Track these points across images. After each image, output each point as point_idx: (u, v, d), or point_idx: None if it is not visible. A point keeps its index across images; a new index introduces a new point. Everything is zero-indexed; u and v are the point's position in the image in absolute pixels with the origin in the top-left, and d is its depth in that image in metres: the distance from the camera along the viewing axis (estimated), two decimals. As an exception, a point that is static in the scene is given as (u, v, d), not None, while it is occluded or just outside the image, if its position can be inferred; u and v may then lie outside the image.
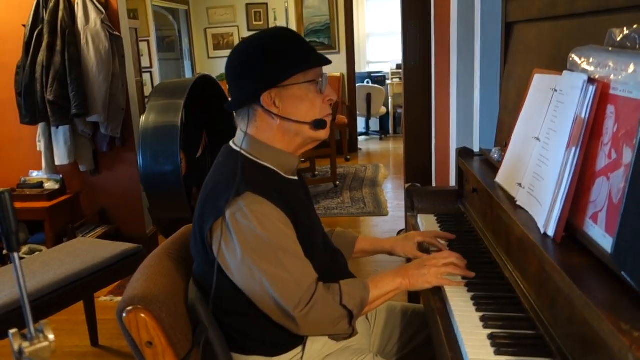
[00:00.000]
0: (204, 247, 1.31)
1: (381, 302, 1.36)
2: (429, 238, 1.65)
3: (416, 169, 4.06)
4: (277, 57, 1.32)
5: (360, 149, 7.87)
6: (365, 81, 8.42)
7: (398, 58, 6.76)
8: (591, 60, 1.11)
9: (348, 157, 7.16)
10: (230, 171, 1.31)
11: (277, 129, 1.35)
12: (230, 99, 1.40)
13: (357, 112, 7.93)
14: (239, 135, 1.40)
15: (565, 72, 1.22)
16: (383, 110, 8.54)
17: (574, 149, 1.09)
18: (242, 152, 1.35)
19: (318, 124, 1.36)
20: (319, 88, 1.35)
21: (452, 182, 2.58)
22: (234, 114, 1.41)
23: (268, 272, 1.22)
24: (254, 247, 1.23)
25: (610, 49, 1.06)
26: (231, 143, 1.42)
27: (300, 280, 1.24)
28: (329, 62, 1.39)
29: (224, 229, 1.25)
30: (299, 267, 1.26)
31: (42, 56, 3.54)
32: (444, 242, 1.64)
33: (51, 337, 0.73)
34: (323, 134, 1.38)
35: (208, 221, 1.27)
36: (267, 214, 1.25)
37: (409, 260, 1.63)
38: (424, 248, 1.66)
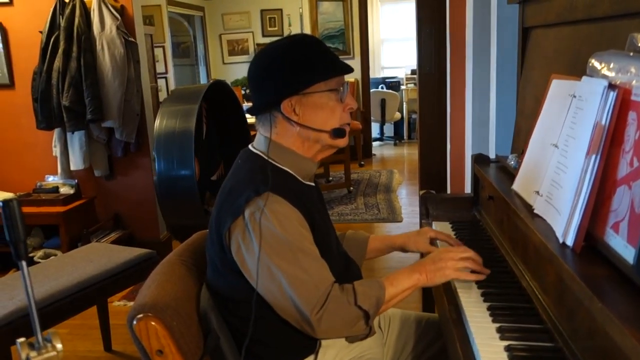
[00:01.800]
0: (221, 248, 1.30)
1: (399, 299, 1.33)
2: (442, 236, 1.63)
3: (431, 175, 4.03)
4: (299, 65, 1.32)
5: (375, 155, 7.84)
6: (380, 86, 8.40)
7: (412, 63, 6.74)
8: (612, 65, 1.08)
9: (362, 162, 7.13)
10: (249, 172, 1.31)
11: (296, 136, 1.35)
12: (250, 104, 1.40)
13: (372, 118, 7.91)
14: (259, 138, 1.40)
15: (584, 77, 1.19)
16: (397, 115, 8.52)
17: (594, 156, 1.07)
18: (262, 154, 1.35)
19: (337, 133, 1.36)
20: (339, 96, 1.35)
21: (467, 188, 2.55)
22: (256, 123, 1.41)
23: (287, 272, 1.21)
24: (273, 246, 1.22)
25: (631, 54, 1.03)
26: (250, 146, 1.42)
27: (318, 283, 1.22)
28: (351, 70, 1.38)
29: (243, 229, 1.24)
30: (317, 268, 1.24)
31: (58, 62, 3.58)
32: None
33: (59, 346, 0.72)
34: (342, 142, 1.38)
35: (226, 221, 1.26)
36: (286, 215, 1.24)
37: (422, 255, 1.61)
38: (435, 244, 1.64)
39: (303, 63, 1.32)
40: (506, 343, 1.10)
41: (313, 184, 1.44)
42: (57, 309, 2.23)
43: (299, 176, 1.37)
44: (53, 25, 3.62)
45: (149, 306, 1.19)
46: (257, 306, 1.26)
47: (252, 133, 2.40)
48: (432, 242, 1.65)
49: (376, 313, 1.28)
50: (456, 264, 1.34)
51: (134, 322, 1.18)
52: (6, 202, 0.70)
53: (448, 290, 1.40)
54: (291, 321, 1.24)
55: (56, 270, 2.43)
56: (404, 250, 1.65)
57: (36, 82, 3.67)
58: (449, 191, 3.52)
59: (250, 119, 4.86)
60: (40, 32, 3.65)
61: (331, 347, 1.35)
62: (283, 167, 1.35)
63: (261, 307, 1.27)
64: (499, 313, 1.22)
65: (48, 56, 3.60)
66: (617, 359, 0.82)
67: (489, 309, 1.25)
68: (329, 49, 1.38)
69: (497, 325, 1.17)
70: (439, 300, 1.45)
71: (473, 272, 1.36)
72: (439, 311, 1.46)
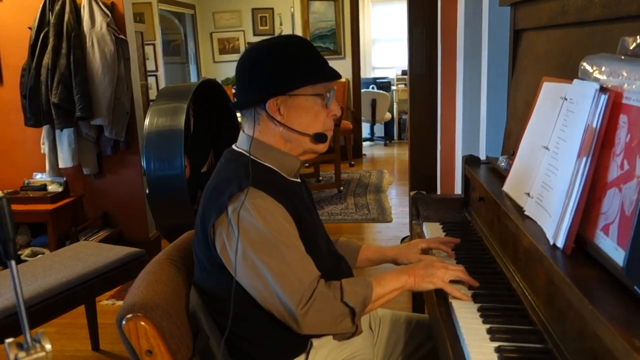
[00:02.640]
0: (206, 246, 1.30)
1: (385, 300, 1.33)
2: (434, 244, 1.64)
3: (421, 175, 4.04)
4: (290, 66, 1.32)
5: (365, 155, 7.85)
6: (371, 87, 8.41)
7: (403, 64, 6.75)
8: (603, 68, 1.09)
9: (352, 162, 7.14)
10: (233, 170, 1.32)
11: (279, 135, 1.35)
12: (236, 100, 1.41)
13: (362, 118, 7.92)
14: (242, 137, 1.40)
15: (575, 80, 1.20)
16: (388, 116, 8.53)
17: (584, 159, 1.07)
18: (244, 152, 1.35)
19: (318, 138, 1.36)
20: (325, 102, 1.36)
21: (458, 189, 2.56)
22: (241, 116, 1.41)
23: (270, 266, 1.21)
24: (257, 241, 1.22)
25: (622, 57, 1.04)
26: (234, 146, 1.42)
27: (302, 277, 1.22)
28: (339, 77, 1.40)
29: (227, 224, 1.25)
30: (301, 263, 1.25)
31: (47, 59, 3.54)
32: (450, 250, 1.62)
33: (48, 347, 0.71)
34: (322, 147, 1.39)
35: (211, 217, 1.27)
36: (269, 209, 1.25)
37: None
38: (430, 254, 1.63)
39: (293, 64, 1.32)
40: (496, 344, 1.10)
41: (299, 180, 1.44)
42: (45, 308, 2.21)
43: (283, 172, 1.37)
44: (42, 21, 3.58)
45: (139, 306, 1.18)
46: (244, 304, 1.26)
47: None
48: (427, 252, 1.64)
49: (362, 311, 1.28)
50: (446, 274, 1.34)
51: (123, 322, 1.17)
52: (-5, 200, 0.69)
53: (439, 291, 1.40)
54: (277, 316, 1.24)
55: (44, 269, 2.40)
56: (395, 262, 1.66)
57: (25, 78, 3.64)
58: (439, 192, 3.54)
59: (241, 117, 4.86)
60: (30, 28, 3.62)
61: (322, 347, 1.35)
62: (266, 164, 1.35)
63: (249, 304, 1.27)
64: (490, 314, 1.22)
65: (37, 52, 3.56)
66: (606, 360, 0.83)
67: (479, 310, 1.25)
68: (321, 55, 1.38)
69: (488, 326, 1.17)
70: (430, 301, 1.45)
71: (459, 282, 1.36)
72: (430, 312, 1.47)
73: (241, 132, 1.41)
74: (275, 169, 1.36)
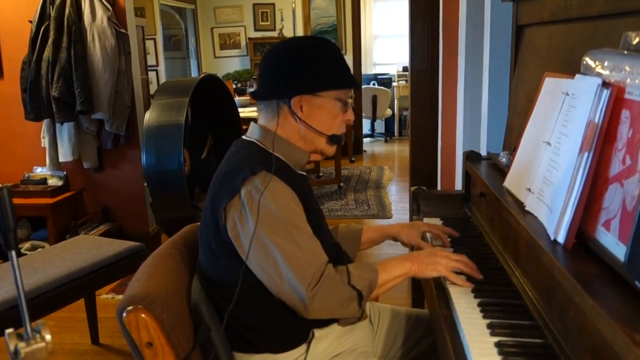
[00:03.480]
0: (216, 230, 1.31)
1: (390, 285, 1.35)
2: (435, 230, 1.67)
3: (421, 171, 4.04)
4: (322, 68, 1.39)
5: (365, 151, 7.84)
6: (372, 83, 8.40)
7: (404, 60, 6.74)
8: (606, 63, 1.08)
9: (353, 158, 7.13)
10: (244, 156, 1.35)
11: (296, 131, 1.40)
12: (257, 88, 1.45)
13: (363, 114, 7.91)
14: (253, 128, 1.44)
15: (577, 75, 1.20)
16: (388, 112, 8.52)
17: (586, 154, 1.07)
18: (257, 142, 1.39)
19: (334, 139, 1.43)
20: (343, 107, 1.41)
21: (458, 185, 2.56)
22: (257, 105, 1.45)
23: (282, 247, 1.23)
24: (269, 223, 1.24)
25: (625, 52, 1.03)
26: (244, 137, 1.45)
27: (312, 259, 1.24)
28: (359, 86, 1.45)
29: (239, 207, 1.26)
30: (311, 246, 1.26)
31: (47, 52, 3.54)
32: (448, 239, 1.66)
33: (48, 337, 0.71)
34: (332, 150, 1.46)
35: (222, 200, 1.28)
36: (281, 192, 1.27)
37: (412, 249, 1.66)
38: (425, 239, 1.68)
39: (324, 67, 1.39)
40: (497, 339, 1.10)
41: (304, 173, 1.47)
42: (45, 301, 2.21)
43: (291, 164, 1.39)
44: (43, 14, 3.58)
45: (139, 298, 1.18)
46: (251, 288, 1.27)
47: (244, 127, 2.40)
48: (423, 236, 1.67)
49: (369, 295, 1.29)
50: (449, 263, 1.36)
51: (124, 314, 1.17)
52: (-4, 190, 0.69)
53: (438, 285, 1.40)
54: (285, 299, 1.25)
55: (43, 263, 2.40)
56: (395, 239, 1.69)
57: (25, 72, 3.63)
58: (439, 188, 3.53)
59: (243, 112, 4.85)
60: (30, 21, 3.61)
61: (324, 339, 1.36)
62: (276, 154, 1.37)
63: (256, 289, 1.28)
64: (490, 309, 1.22)
65: (38, 46, 3.56)
66: (607, 355, 0.83)
67: (479, 305, 1.25)
68: (346, 61, 1.45)
69: (488, 321, 1.17)
70: (430, 295, 1.45)
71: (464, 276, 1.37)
72: (429, 307, 1.47)
73: (252, 123, 1.45)
74: (284, 159, 1.38)
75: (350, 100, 1.43)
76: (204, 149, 3.78)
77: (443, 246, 1.62)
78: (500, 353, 1.05)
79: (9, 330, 0.71)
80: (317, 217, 1.39)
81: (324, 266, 1.25)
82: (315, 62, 1.38)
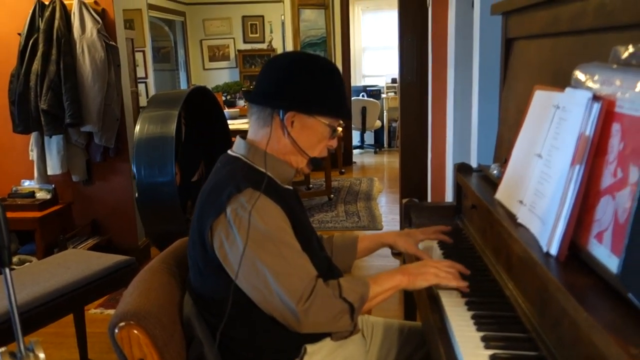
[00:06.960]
0: (203, 248, 1.30)
1: (382, 298, 1.36)
2: (431, 234, 1.70)
3: (411, 183, 4.05)
4: (324, 92, 1.40)
5: (355, 163, 7.86)
6: (361, 94, 8.44)
7: (393, 72, 6.79)
8: (596, 77, 1.10)
9: (342, 170, 7.14)
10: (230, 172, 1.34)
11: (282, 145, 1.40)
12: (255, 89, 1.45)
13: (352, 126, 7.93)
14: (239, 143, 1.43)
15: (567, 89, 1.21)
16: (378, 123, 8.56)
17: (578, 166, 1.08)
18: (242, 157, 1.39)
19: (313, 161, 1.45)
20: (332, 134, 1.43)
21: (449, 197, 2.57)
22: (249, 108, 1.46)
23: (271, 265, 1.22)
24: (257, 241, 1.23)
25: (614, 66, 1.05)
26: (229, 152, 1.45)
27: (302, 275, 1.24)
28: (350, 119, 1.57)
29: (226, 225, 1.26)
30: (300, 261, 1.26)
31: (36, 65, 3.52)
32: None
33: (42, 356, 0.70)
34: (307, 170, 1.48)
35: (208, 219, 1.27)
36: (267, 209, 1.27)
37: (405, 259, 1.69)
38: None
39: (330, 93, 1.41)
40: (491, 352, 1.10)
41: (291, 187, 1.47)
42: (33, 317, 2.18)
43: (277, 180, 1.39)
44: (32, 27, 3.56)
45: (132, 314, 1.17)
46: (241, 305, 1.27)
47: (233, 140, 2.40)
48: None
49: (361, 308, 1.29)
50: (438, 272, 1.37)
51: (116, 331, 1.15)
52: (-11, 207, 0.68)
53: (431, 297, 1.40)
54: (277, 316, 1.25)
55: (32, 277, 2.37)
56: (391, 248, 1.70)
57: (13, 84, 3.61)
58: (429, 199, 3.55)
59: (232, 124, 4.84)
60: (19, 34, 3.60)
61: (316, 353, 1.35)
62: (261, 169, 1.37)
63: (246, 306, 1.27)
64: (484, 322, 1.22)
65: (26, 59, 3.54)
66: (602, 367, 0.83)
67: (473, 317, 1.25)
68: (346, 91, 1.48)
69: (482, 334, 1.17)
70: (423, 308, 1.45)
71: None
72: (423, 320, 1.46)
73: (238, 137, 1.44)
74: (271, 175, 1.37)
75: (339, 129, 1.45)
76: (195, 172, 3.77)
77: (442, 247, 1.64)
78: (495, 366, 1.05)
79: (2, 349, 0.70)
80: (306, 231, 1.39)
81: (314, 281, 1.25)
82: (322, 85, 1.40)
